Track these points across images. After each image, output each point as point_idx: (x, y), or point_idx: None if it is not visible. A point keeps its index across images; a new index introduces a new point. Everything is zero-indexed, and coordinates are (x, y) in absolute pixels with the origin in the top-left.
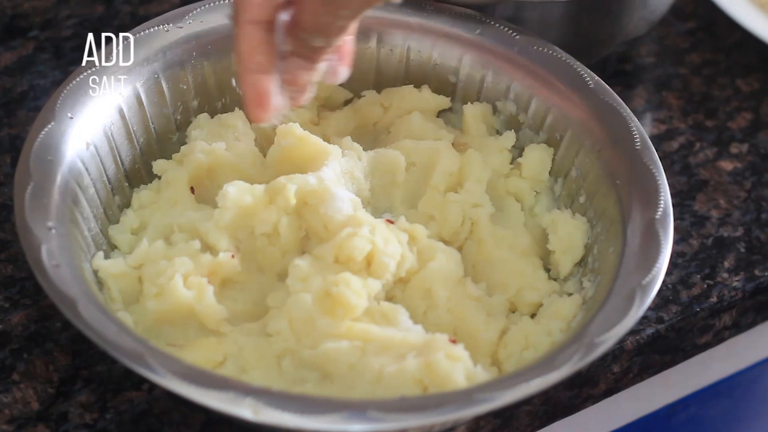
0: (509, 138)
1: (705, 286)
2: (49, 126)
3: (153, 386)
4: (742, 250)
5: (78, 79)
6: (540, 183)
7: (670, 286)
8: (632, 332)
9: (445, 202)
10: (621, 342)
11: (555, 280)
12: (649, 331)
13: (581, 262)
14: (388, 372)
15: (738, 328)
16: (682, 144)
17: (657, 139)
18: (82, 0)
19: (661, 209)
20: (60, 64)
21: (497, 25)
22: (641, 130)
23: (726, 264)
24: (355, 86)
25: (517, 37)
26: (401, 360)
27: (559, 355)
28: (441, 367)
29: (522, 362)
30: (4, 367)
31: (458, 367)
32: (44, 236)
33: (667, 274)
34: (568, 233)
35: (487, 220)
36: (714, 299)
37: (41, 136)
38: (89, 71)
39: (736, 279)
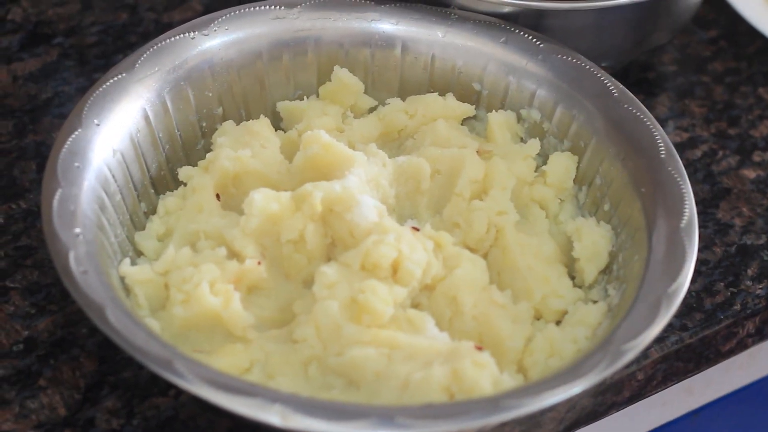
0: (534, 146)
1: (729, 293)
2: (76, 133)
3: (179, 392)
4: (766, 257)
5: (105, 86)
6: (564, 191)
7: (693, 293)
8: (657, 340)
9: (470, 210)
10: (646, 350)
11: (580, 287)
12: (673, 338)
13: (606, 270)
14: (414, 379)
15: (761, 335)
16: (705, 152)
17: (680, 147)
18: (106, 7)
19: (686, 217)
20: (84, 71)
21: (521, 33)
22: (666, 138)
23: (749, 272)
24: (380, 94)
25: (541, 45)
26: (428, 367)
27: (586, 363)
28: (467, 374)
29: (547, 369)
30: (30, 373)
31: (484, 375)
32: (72, 242)
33: (691, 282)
34: (593, 241)
35: (512, 227)
36: (737, 307)
37: (68, 142)
38: (116, 78)
39: (760, 287)
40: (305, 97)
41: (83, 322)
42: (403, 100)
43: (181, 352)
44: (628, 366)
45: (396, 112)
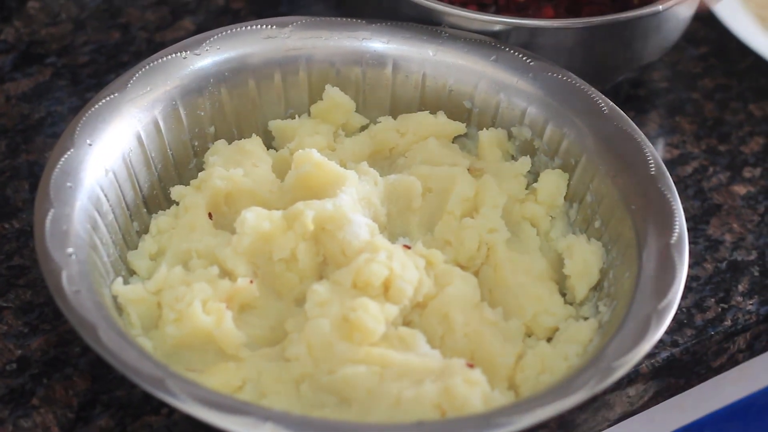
0: (525, 164)
1: (719, 309)
2: (69, 153)
3: (172, 410)
4: (756, 273)
5: (97, 106)
6: (555, 208)
7: (684, 309)
8: (648, 356)
9: (462, 228)
10: (636, 366)
11: (570, 304)
12: (664, 354)
13: (596, 287)
14: (406, 396)
15: (752, 351)
16: (696, 168)
17: (670, 164)
18: (99, 27)
19: (676, 234)
20: (77, 90)
21: (512, 51)
22: (656, 155)
23: (740, 288)
24: (371, 112)
25: (532, 63)
26: (419, 385)
27: (576, 380)
28: (459, 391)
29: (538, 386)
30: (24, 392)
31: (476, 392)
32: (64, 262)
33: (682, 298)
34: (584, 258)
35: (503, 245)
36: (728, 323)
37: (60, 163)
38: (108, 98)
39: (750, 302)
40: (297, 116)
41: (76, 342)
42: (395, 118)
43: (173, 371)
44: (619, 382)
45: (387, 130)
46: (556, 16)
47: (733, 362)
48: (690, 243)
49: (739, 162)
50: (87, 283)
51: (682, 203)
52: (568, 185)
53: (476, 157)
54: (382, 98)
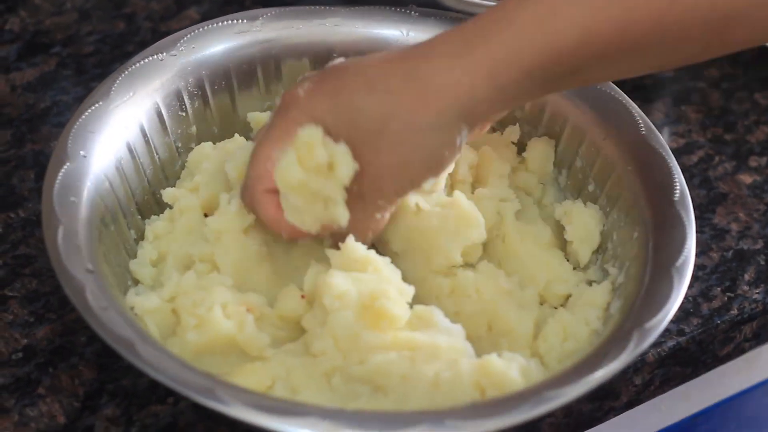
0: (514, 132)
1: (725, 298)
2: (66, 166)
3: (178, 400)
4: (762, 262)
5: (83, 116)
6: (545, 176)
7: (690, 298)
8: (654, 344)
9: (477, 199)
10: (642, 354)
11: (574, 269)
12: (671, 343)
13: (599, 250)
14: (444, 378)
15: (758, 340)
16: (702, 157)
17: (676, 153)
18: (104, 16)
19: (678, 191)
20: (82, 80)
21: None
22: (643, 116)
23: (746, 276)
24: None
25: None
26: (454, 365)
27: (614, 345)
28: (496, 366)
29: (564, 354)
30: (30, 381)
31: (513, 366)
32: (85, 280)
33: (688, 287)
34: (584, 222)
35: (512, 215)
36: (735, 312)
37: (60, 177)
38: (93, 108)
39: (757, 291)
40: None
41: (82, 331)
42: None
43: (220, 378)
44: (625, 371)
45: None
46: None
47: (739, 351)
48: (696, 232)
49: (745, 151)
50: (108, 297)
51: (688, 192)
52: (555, 152)
53: None
54: None
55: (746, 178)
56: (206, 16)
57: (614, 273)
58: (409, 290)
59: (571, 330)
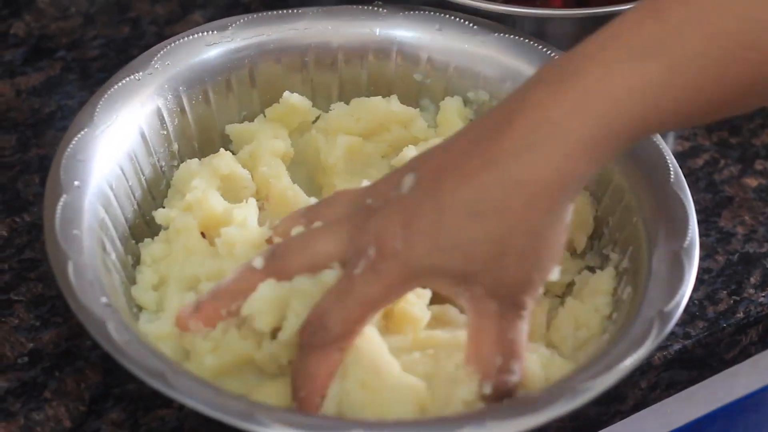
0: None
1: (731, 301)
2: (63, 198)
3: (183, 404)
4: None
5: (70, 147)
6: None
7: (696, 302)
8: (660, 348)
9: None
10: (649, 358)
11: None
12: (677, 346)
13: (593, 235)
14: (462, 374)
15: (764, 343)
16: (707, 161)
17: (681, 157)
18: (108, 21)
19: (672, 172)
20: (87, 84)
21: (455, 18)
22: None
23: (752, 280)
24: (322, 101)
25: (476, 27)
26: None
27: (635, 330)
28: None
29: (578, 342)
30: (35, 385)
31: (533, 357)
32: (104, 313)
33: (694, 290)
34: (577, 210)
35: None
36: (740, 315)
37: (59, 211)
38: (79, 135)
39: (763, 294)
40: (249, 120)
41: (87, 335)
42: (347, 103)
43: (256, 401)
44: (632, 374)
45: (343, 116)
46: (565, 6)
47: (745, 355)
48: (701, 235)
49: (750, 155)
50: (129, 329)
51: (693, 196)
52: None
53: (435, 128)
54: (330, 84)
55: (752, 182)
56: (211, 20)
57: (616, 258)
58: (426, 293)
59: (583, 318)
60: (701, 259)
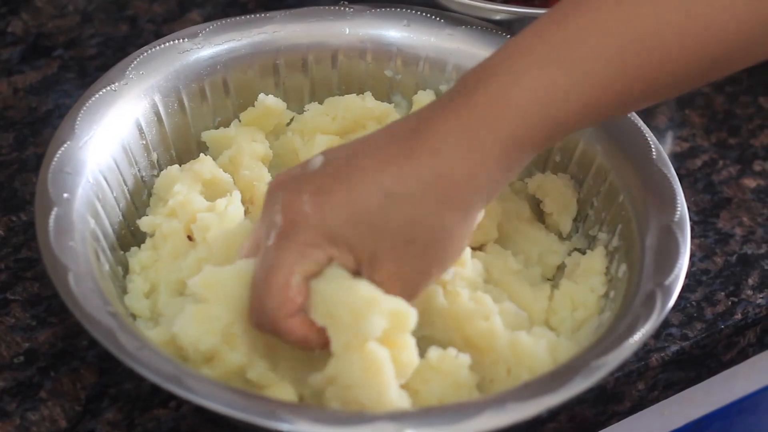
0: None
1: (729, 303)
2: (54, 211)
3: (180, 404)
4: (766, 267)
5: (56, 158)
6: None
7: (694, 303)
8: (657, 349)
9: None
10: (646, 359)
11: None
12: (674, 348)
13: (577, 218)
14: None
15: (762, 345)
16: (706, 162)
17: (680, 157)
18: (106, 19)
19: (653, 149)
20: (84, 83)
21: (422, 13)
22: None
23: (750, 281)
24: (294, 104)
25: (442, 21)
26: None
27: (638, 306)
28: (525, 345)
29: (576, 323)
30: (31, 385)
31: (542, 343)
32: (109, 323)
33: (692, 291)
34: (560, 193)
35: None
36: (738, 316)
37: (51, 224)
38: (63, 148)
39: (761, 296)
40: (223, 125)
41: (83, 334)
42: (320, 103)
43: (280, 399)
44: (629, 375)
45: (318, 116)
46: None
47: (743, 356)
48: (700, 237)
49: (749, 155)
50: (137, 336)
51: (691, 197)
52: None
53: None
54: (301, 86)
55: (750, 183)
56: (208, 19)
57: (604, 238)
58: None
59: (579, 299)
60: (699, 260)
